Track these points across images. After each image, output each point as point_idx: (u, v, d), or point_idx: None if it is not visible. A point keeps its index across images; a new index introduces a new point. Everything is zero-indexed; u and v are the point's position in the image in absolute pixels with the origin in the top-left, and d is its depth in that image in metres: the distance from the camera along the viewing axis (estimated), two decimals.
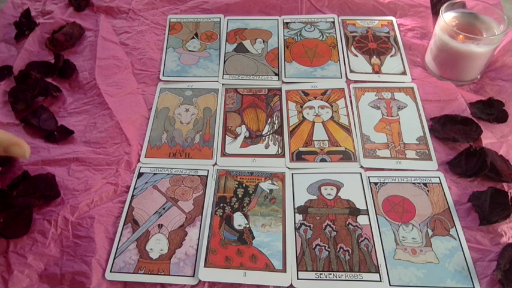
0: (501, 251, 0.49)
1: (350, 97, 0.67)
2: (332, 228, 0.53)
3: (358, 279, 0.49)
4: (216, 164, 0.60)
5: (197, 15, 0.80)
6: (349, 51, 0.73)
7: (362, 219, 0.53)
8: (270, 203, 0.55)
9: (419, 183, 0.57)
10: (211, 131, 0.63)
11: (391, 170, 0.58)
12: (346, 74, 0.70)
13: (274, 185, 0.57)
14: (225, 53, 0.74)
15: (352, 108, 0.65)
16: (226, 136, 0.63)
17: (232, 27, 0.78)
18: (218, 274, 0.49)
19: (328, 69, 0.71)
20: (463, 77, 0.67)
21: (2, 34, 0.76)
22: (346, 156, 0.60)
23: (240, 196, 0.56)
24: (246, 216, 0.54)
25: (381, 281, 0.48)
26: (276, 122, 0.65)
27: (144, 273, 0.49)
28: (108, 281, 0.49)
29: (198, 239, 0.52)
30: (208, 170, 0.59)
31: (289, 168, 0.59)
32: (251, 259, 0.50)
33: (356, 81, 0.69)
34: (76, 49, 0.74)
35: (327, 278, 0.49)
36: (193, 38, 0.77)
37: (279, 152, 0.61)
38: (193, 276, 0.49)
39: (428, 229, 0.52)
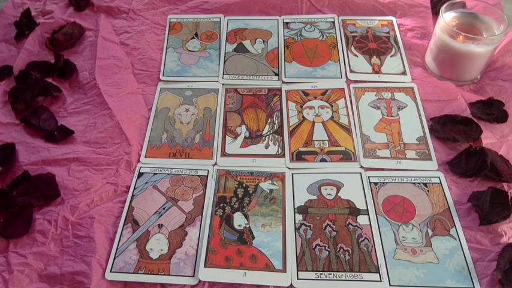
0: (501, 251, 0.49)
1: (350, 97, 0.67)
2: (332, 228, 0.53)
3: (358, 279, 0.49)
4: (216, 164, 0.60)
5: (197, 15, 0.80)
6: (349, 51, 0.73)
7: (362, 219, 0.53)
8: (270, 203, 0.55)
9: (419, 183, 0.57)
10: (211, 131, 0.63)
11: (391, 170, 0.58)
12: (346, 74, 0.70)
13: (274, 185, 0.57)
14: (225, 53, 0.74)
15: (352, 108, 0.65)
16: (226, 136, 0.63)
17: (232, 27, 0.78)
18: (218, 274, 0.49)
19: (328, 69, 0.71)
20: (463, 77, 0.67)
21: (2, 34, 0.76)
22: (346, 156, 0.60)
23: (240, 196, 0.56)
24: (246, 216, 0.54)
25: (381, 281, 0.48)
26: (276, 122, 0.64)
27: (144, 273, 0.49)
28: (108, 281, 0.49)
29: (198, 239, 0.52)
30: (208, 170, 0.59)
31: (289, 168, 0.59)
32: (251, 259, 0.50)
33: (356, 81, 0.69)
34: (76, 49, 0.74)
35: (327, 278, 0.49)
36: (193, 38, 0.77)
37: (279, 152, 0.61)
38: (193, 276, 0.49)
39: (428, 229, 0.52)
